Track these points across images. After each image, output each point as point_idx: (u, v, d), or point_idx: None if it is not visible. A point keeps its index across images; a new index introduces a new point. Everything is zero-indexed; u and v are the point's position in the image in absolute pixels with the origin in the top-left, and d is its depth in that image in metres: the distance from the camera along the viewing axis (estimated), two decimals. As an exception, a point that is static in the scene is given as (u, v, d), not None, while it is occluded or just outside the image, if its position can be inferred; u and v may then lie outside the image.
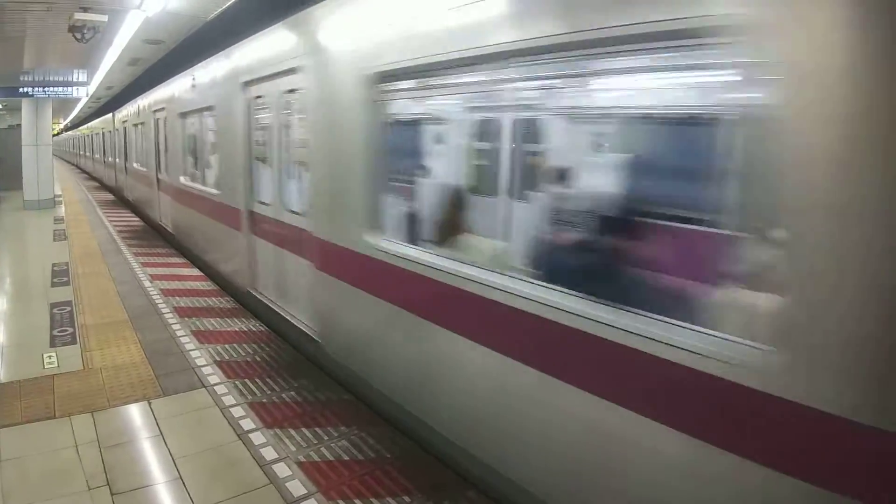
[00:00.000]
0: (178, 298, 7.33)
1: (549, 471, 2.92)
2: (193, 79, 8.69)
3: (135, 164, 15.39)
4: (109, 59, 12.09)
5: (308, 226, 5.10)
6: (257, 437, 4.00)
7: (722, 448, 2.14)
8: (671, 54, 2.51)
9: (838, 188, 1.84)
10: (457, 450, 3.53)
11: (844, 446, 1.86)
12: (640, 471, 2.49)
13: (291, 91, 5.38)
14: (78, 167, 38.28)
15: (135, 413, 4.33)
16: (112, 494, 3.33)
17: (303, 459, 3.75)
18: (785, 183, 1.97)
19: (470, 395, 3.38)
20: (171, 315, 6.65)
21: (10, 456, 3.69)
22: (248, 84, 6.28)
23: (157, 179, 12.19)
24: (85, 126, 32.96)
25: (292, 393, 4.69)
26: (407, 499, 3.38)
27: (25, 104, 15.55)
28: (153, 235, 12.49)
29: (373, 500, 3.37)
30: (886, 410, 1.77)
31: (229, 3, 7.87)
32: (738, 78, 2.41)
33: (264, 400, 4.57)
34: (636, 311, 2.50)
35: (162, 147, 11.52)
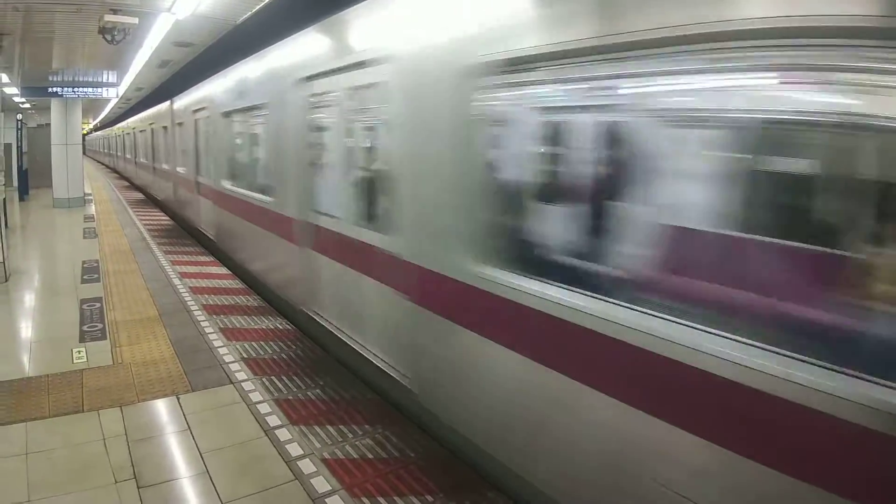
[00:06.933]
0: (206, 296, 7.44)
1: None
2: None
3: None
4: (139, 60, 12.20)
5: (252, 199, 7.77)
6: (283, 434, 4.03)
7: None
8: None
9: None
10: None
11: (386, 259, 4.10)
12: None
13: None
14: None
15: (163, 408, 4.39)
16: (139, 488, 3.37)
17: (327, 456, 3.76)
18: None
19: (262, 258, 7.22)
20: (199, 312, 6.74)
21: (38, 449, 3.76)
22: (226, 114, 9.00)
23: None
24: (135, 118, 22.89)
25: (318, 391, 4.71)
26: (429, 498, 3.37)
27: (55, 104, 15.64)
28: (183, 234, 12.63)
29: (396, 498, 3.37)
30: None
31: (258, 7, 7.92)
32: None
33: (290, 397, 4.60)
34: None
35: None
